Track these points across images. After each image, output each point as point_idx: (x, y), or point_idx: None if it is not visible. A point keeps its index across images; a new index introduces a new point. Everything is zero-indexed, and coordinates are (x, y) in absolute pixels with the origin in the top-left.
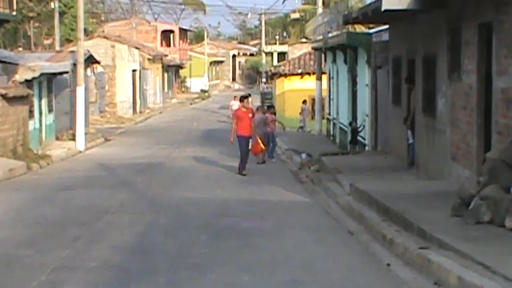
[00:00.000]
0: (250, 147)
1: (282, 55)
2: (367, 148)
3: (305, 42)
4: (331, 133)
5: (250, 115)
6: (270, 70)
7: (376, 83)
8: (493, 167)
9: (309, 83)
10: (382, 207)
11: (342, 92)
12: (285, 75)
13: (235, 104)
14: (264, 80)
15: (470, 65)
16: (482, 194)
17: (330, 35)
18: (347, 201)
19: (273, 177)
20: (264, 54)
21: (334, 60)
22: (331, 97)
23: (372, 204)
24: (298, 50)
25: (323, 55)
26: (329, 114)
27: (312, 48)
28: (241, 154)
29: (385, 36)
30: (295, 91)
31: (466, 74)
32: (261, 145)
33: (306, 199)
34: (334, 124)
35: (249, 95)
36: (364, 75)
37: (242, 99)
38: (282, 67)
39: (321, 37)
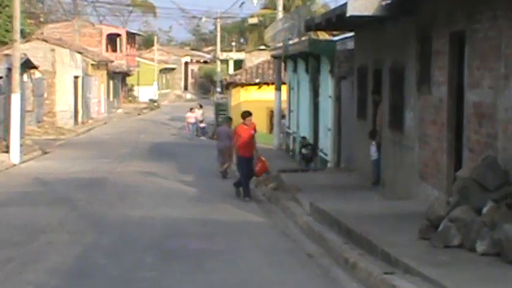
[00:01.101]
0: (254, 168)
1: (238, 63)
2: (329, 165)
3: (264, 50)
4: (291, 148)
5: (253, 132)
6: (225, 79)
7: (339, 94)
8: (464, 186)
9: (267, 94)
10: (344, 229)
11: (303, 104)
12: (242, 85)
13: (192, 117)
14: (218, 89)
15: (440, 76)
16: (452, 215)
17: (290, 42)
18: (307, 221)
19: (227, 195)
20: (219, 62)
21: (294, 70)
22: (291, 109)
23: (333, 226)
24: (256, 58)
25: (283, 64)
26: (288, 127)
27: (271, 56)
28: (242, 177)
29: (350, 45)
30: (252, 102)
31: (436, 86)
32: (266, 165)
33: (262, 219)
34: (294, 138)
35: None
36: (327, 85)
37: (244, 116)
38: (239, 76)
39: (280, 44)
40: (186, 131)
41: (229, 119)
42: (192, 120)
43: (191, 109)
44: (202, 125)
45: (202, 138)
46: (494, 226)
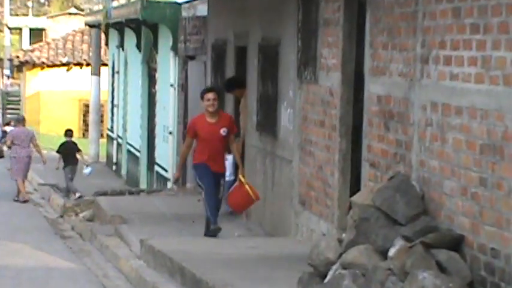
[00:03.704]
0: (225, 192)
1: (37, 33)
2: (169, 185)
3: (75, 14)
4: (115, 160)
5: (223, 131)
6: (18, 57)
7: (186, 81)
8: (363, 218)
9: (80, 80)
10: (190, 278)
11: (133, 96)
12: (42, 66)
13: None
14: (7, 72)
15: (331, 57)
16: (346, 259)
17: (114, 3)
18: (135, 267)
19: (18, 228)
20: (7, 31)
21: (121, 45)
22: (115, 103)
23: (175, 274)
24: (64, 26)
25: (103, 35)
26: (111, 129)
27: (86, 24)
28: (208, 208)
29: (202, 10)
30: (57, 92)
31: (324, 71)
32: (250, 194)
33: (70, 264)
34: (119, 145)
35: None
36: (168, 69)
37: (205, 93)
38: (37, 52)
39: (100, 6)
40: None
41: (23, 119)
42: None
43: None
44: None
45: None
46: (406, 275)
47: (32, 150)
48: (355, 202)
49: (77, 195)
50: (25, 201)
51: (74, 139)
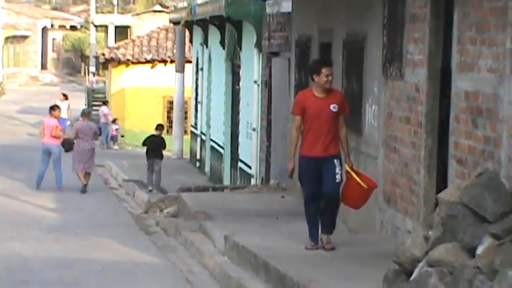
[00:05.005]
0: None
1: (122, 31)
2: (253, 181)
3: (160, 12)
4: (198, 156)
5: (333, 107)
6: (103, 54)
7: (270, 78)
8: (450, 215)
9: (164, 77)
10: (274, 275)
11: (217, 92)
12: (127, 63)
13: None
14: (93, 69)
15: (417, 53)
16: (432, 257)
17: (199, 0)
18: (220, 263)
19: (103, 224)
20: (93, 29)
21: (205, 42)
22: (199, 100)
23: (259, 270)
24: (149, 24)
25: (187, 33)
26: (195, 126)
27: (170, 21)
28: (305, 206)
29: (286, 6)
30: (142, 89)
31: (410, 67)
32: (361, 184)
33: (155, 259)
34: (202, 142)
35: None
36: (252, 65)
37: (322, 67)
38: (122, 50)
39: (185, 4)
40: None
41: (88, 113)
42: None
43: (63, 95)
44: (115, 126)
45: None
46: (494, 273)
47: (94, 143)
48: (442, 199)
49: (149, 188)
50: (85, 186)
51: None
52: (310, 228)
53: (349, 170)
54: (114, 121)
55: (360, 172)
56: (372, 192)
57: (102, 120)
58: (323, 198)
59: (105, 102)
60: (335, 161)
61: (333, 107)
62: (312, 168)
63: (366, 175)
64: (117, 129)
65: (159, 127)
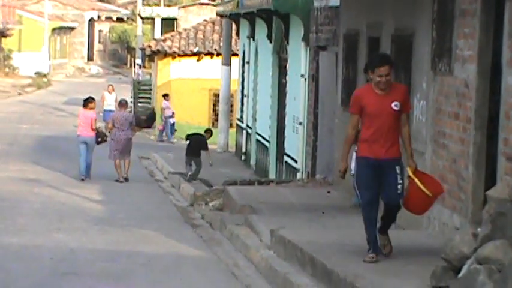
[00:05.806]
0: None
1: (169, 23)
2: (298, 175)
3: (206, 4)
4: (244, 149)
5: (395, 105)
6: (150, 46)
7: (317, 72)
8: (499, 212)
9: (210, 70)
10: (321, 269)
11: (263, 86)
12: (173, 56)
13: (110, 99)
14: (139, 61)
15: (467, 49)
16: (481, 254)
17: None
18: (265, 257)
19: (149, 216)
20: (140, 21)
21: (251, 35)
22: (245, 93)
23: (305, 264)
24: (195, 16)
25: (234, 26)
26: (240, 119)
27: (217, 14)
28: (363, 212)
29: (334, 0)
30: (188, 81)
31: (460, 63)
32: (424, 190)
33: (201, 252)
34: (248, 135)
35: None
36: (299, 59)
37: (376, 66)
38: (169, 42)
39: None
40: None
41: (125, 103)
42: (111, 106)
43: (110, 86)
44: (172, 120)
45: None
46: None
47: (131, 133)
48: (491, 196)
49: (188, 175)
50: (125, 179)
51: (203, 128)
52: (369, 236)
53: (411, 175)
54: (172, 114)
55: (425, 174)
56: (435, 199)
57: (166, 113)
58: (384, 206)
59: (165, 96)
60: (397, 168)
61: (395, 105)
62: (370, 173)
63: (431, 177)
64: (173, 123)
65: (208, 131)
